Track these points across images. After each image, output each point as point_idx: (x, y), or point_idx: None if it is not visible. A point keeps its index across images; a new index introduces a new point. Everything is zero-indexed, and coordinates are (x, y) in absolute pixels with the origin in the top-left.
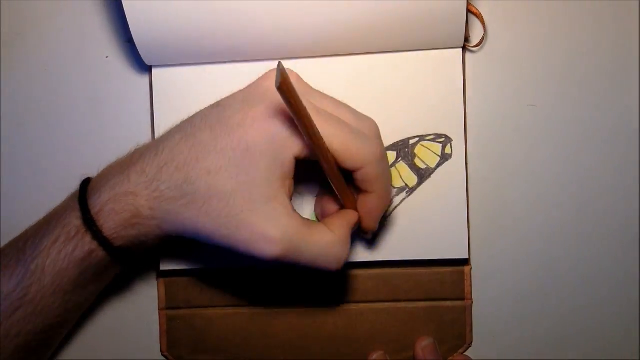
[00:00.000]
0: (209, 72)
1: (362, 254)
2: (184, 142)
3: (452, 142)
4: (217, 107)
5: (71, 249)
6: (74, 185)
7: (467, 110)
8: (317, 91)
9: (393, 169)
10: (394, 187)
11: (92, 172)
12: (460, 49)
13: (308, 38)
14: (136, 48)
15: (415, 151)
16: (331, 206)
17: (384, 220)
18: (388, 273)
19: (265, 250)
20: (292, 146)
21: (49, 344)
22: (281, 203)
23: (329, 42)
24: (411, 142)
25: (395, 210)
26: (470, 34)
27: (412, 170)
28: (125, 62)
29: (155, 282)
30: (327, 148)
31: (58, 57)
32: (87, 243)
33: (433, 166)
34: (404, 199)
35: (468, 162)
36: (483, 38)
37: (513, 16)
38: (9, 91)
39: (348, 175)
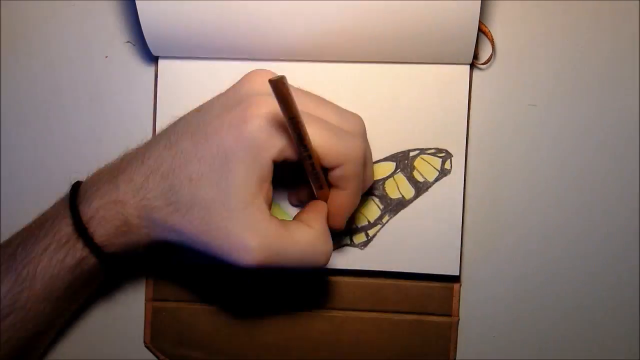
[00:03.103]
0: (215, 68)
1: (352, 262)
2: (167, 150)
3: (452, 158)
4: (199, 112)
5: (62, 255)
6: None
7: (470, 127)
8: (301, 90)
9: (391, 180)
10: (391, 198)
11: (93, 170)
12: (468, 66)
13: (316, 42)
14: (135, 48)
15: (415, 164)
16: (305, 197)
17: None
18: (377, 283)
19: (244, 259)
20: (270, 149)
21: (37, 346)
22: (258, 208)
23: (338, 47)
24: (411, 154)
25: (390, 222)
26: (479, 52)
27: (410, 182)
28: (124, 62)
29: (144, 273)
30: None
31: (58, 57)
32: (79, 250)
33: (431, 180)
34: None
35: (467, 179)
36: (491, 56)
37: (522, 36)
38: (9, 91)
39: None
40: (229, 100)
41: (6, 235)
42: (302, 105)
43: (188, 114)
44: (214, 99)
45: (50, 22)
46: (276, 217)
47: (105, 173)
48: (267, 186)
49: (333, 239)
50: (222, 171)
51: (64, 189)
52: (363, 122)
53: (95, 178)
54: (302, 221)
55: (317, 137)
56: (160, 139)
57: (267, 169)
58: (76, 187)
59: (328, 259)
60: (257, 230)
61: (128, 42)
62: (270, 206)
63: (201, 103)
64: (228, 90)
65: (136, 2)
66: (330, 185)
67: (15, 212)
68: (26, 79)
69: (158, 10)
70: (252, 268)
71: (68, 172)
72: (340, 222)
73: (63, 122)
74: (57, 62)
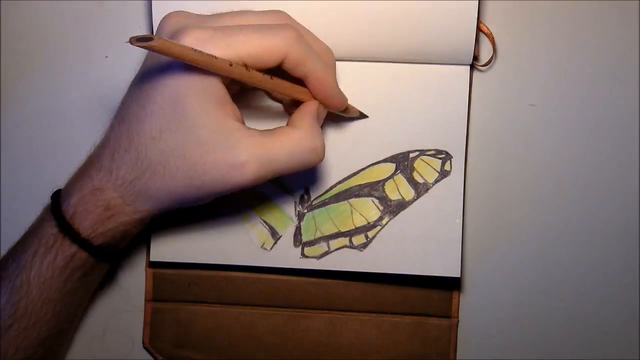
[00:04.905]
0: None
1: (351, 264)
2: (119, 124)
3: (452, 159)
4: (135, 80)
5: (52, 257)
6: None
7: (469, 128)
8: (209, 16)
9: (390, 181)
10: (391, 200)
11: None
12: (468, 67)
13: None
14: (135, 48)
15: (415, 165)
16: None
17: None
18: (376, 285)
19: (240, 177)
20: (211, 73)
21: (51, 355)
22: (232, 128)
23: (337, 46)
24: (411, 155)
25: (389, 224)
26: (480, 53)
27: (409, 183)
28: (124, 62)
29: (144, 274)
30: (238, 69)
31: (58, 57)
32: (67, 248)
33: (431, 181)
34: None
35: (467, 180)
36: (492, 58)
37: (522, 37)
38: (9, 90)
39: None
40: (153, 58)
41: (4, 238)
42: (219, 24)
43: (128, 88)
44: (143, 64)
45: (51, 22)
46: (255, 129)
47: (78, 171)
48: (230, 107)
49: (333, 238)
50: (177, 114)
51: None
52: (286, 14)
53: (71, 179)
54: (289, 124)
55: (244, 43)
56: (113, 120)
57: (220, 90)
58: (57, 194)
59: (320, 155)
60: (240, 146)
61: (128, 42)
62: (243, 122)
63: None
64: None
65: (152, 3)
66: (301, 81)
67: (15, 212)
68: (26, 78)
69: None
70: (253, 183)
71: (68, 172)
72: (335, 99)
73: (62, 123)
74: (56, 62)
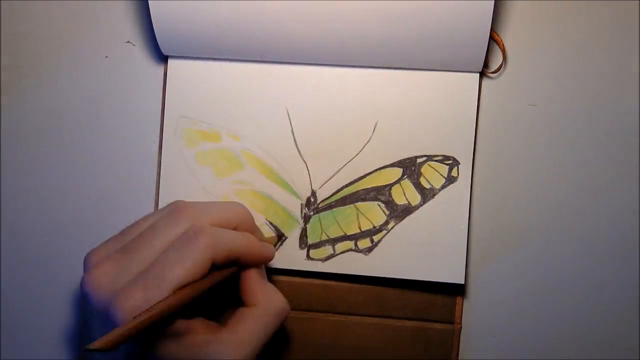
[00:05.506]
0: (225, 69)
1: (356, 268)
2: None
3: (460, 166)
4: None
5: None
6: (76, 185)
7: (478, 135)
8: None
9: (397, 186)
10: (397, 204)
11: (96, 171)
12: (478, 74)
13: (326, 46)
14: (141, 49)
15: (422, 170)
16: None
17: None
18: (380, 288)
19: None
20: None
21: None
22: (202, 343)
23: (348, 51)
24: (418, 160)
25: (395, 228)
26: (490, 60)
27: (416, 188)
28: (127, 63)
29: None
30: (180, 297)
31: (58, 58)
32: None
33: (438, 187)
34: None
35: (474, 187)
36: (502, 65)
37: (532, 45)
38: (9, 91)
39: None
40: None
41: (5, 240)
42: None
43: None
44: None
45: (51, 22)
46: (226, 329)
47: None
48: (193, 320)
49: (339, 241)
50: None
51: (65, 192)
52: (184, 205)
53: None
54: (245, 300)
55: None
56: None
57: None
58: None
59: (287, 308)
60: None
61: (128, 42)
62: (208, 325)
63: (210, 104)
64: None
65: (149, 1)
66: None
67: (15, 213)
68: (26, 78)
69: (170, 9)
70: None
71: (70, 174)
72: (267, 255)
73: (62, 123)
74: (57, 62)
